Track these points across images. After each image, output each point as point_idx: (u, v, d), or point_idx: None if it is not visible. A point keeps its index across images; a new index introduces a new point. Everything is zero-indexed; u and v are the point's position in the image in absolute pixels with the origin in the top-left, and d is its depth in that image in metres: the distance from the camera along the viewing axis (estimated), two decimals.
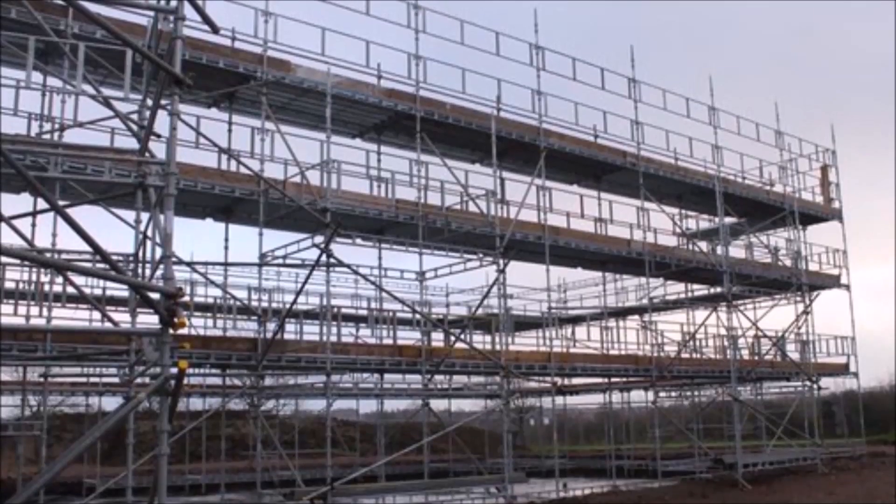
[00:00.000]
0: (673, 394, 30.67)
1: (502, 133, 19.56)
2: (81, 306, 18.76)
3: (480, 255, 18.68)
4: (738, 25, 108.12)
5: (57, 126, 13.94)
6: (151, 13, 10.91)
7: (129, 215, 13.03)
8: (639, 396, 31.07)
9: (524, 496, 19.43)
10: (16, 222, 10.83)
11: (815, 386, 27.01)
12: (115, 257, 9.04)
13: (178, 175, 7.90)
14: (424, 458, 19.81)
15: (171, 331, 6.95)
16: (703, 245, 26.16)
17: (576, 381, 29.64)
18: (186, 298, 19.39)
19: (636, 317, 28.52)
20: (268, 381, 22.70)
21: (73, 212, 8.46)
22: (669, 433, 31.09)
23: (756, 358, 26.77)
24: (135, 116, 11.18)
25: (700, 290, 28.60)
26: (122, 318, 15.90)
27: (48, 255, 12.17)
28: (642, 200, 23.24)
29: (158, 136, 9.79)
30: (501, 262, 18.31)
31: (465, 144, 20.64)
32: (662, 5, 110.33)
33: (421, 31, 18.40)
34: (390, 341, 19.17)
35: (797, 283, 26.79)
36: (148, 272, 10.76)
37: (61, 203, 10.26)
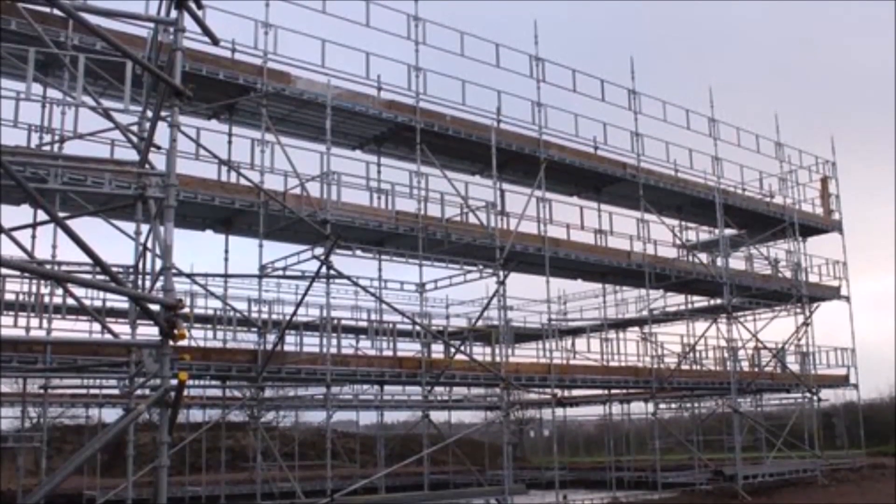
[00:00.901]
0: (673, 405, 30.64)
1: (502, 145, 19.57)
2: (81, 318, 18.75)
3: (480, 267, 18.67)
4: (739, 37, 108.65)
5: (57, 138, 13.96)
6: (151, 25, 10.98)
7: (129, 227, 13.05)
8: (639, 408, 31.08)
9: None
10: (16, 234, 10.86)
11: (815, 397, 26.96)
12: (115, 269, 9.04)
13: (178, 187, 7.91)
14: (424, 469, 19.78)
15: (170, 342, 6.95)
16: (703, 257, 26.14)
17: (576, 392, 29.59)
18: (186, 310, 19.39)
19: (636, 328, 28.48)
20: (268, 393, 22.65)
21: (73, 223, 8.47)
22: (669, 445, 30.98)
23: (756, 370, 26.73)
24: (135, 128, 11.22)
25: (700, 301, 28.57)
26: (122, 329, 15.90)
27: (48, 266, 12.17)
28: (642, 212, 23.24)
29: (158, 147, 9.83)
30: (501, 273, 18.30)
31: (465, 156, 20.67)
32: (662, 17, 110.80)
33: (421, 43, 18.46)
34: (390, 353, 19.13)
35: (797, 294, 26.77)
36: (148, 284, 10.78)
37: (61, 215, 10.28)
